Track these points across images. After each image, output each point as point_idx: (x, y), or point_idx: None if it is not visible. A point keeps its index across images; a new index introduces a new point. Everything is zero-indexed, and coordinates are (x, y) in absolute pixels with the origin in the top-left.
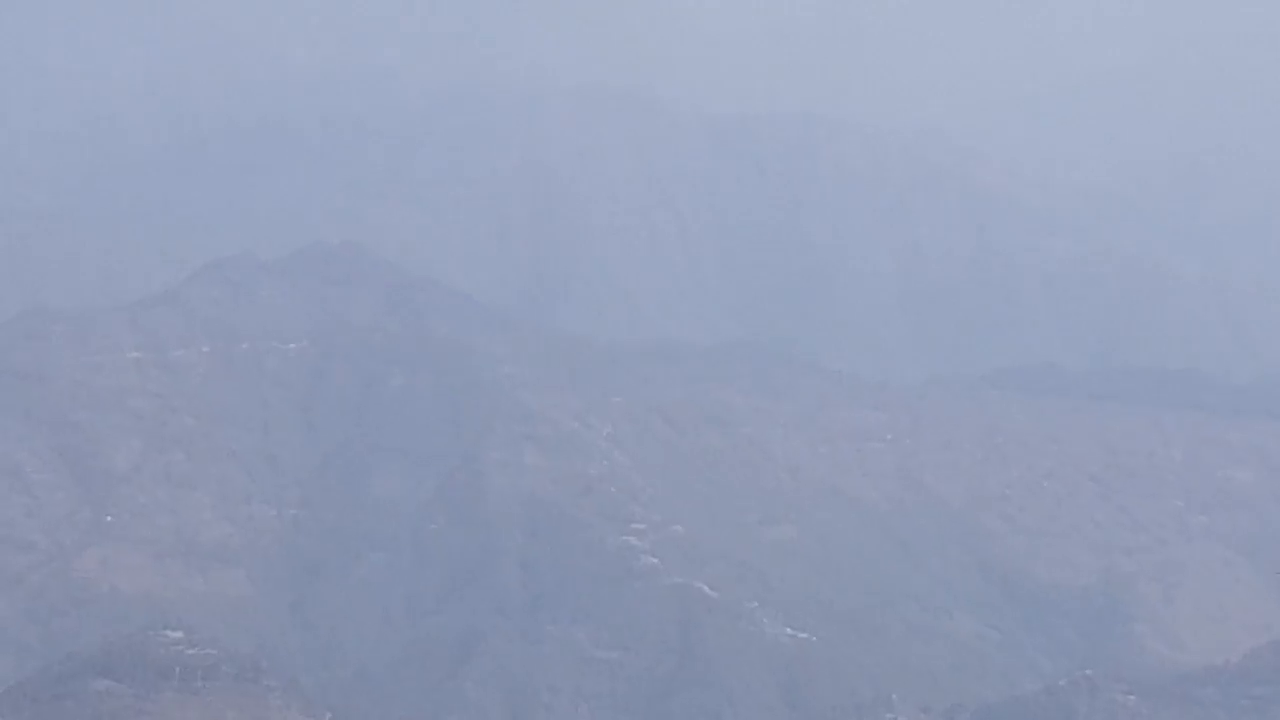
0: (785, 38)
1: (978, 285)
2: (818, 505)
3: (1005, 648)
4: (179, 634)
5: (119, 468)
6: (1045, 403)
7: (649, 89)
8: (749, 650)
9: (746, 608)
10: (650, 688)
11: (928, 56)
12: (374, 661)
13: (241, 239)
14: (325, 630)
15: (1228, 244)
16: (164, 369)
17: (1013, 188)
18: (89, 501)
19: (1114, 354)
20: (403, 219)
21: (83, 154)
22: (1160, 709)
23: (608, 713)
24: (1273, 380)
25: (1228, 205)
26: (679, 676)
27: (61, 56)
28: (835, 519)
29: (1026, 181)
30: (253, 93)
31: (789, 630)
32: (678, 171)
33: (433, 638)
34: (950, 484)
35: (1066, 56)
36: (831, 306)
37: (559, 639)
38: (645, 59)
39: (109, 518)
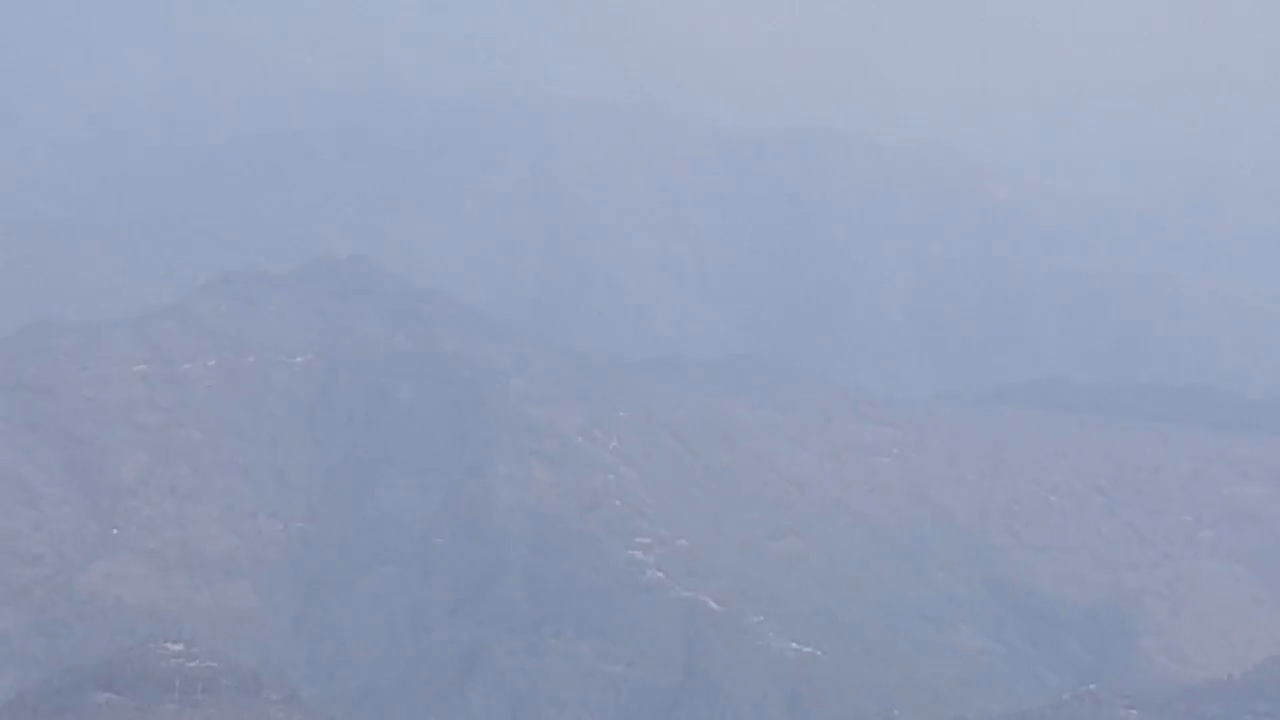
0: (796, 53)
1: (987, 299)
2: (824, 520)
3: (1011, 662)
4: (180, 646)
5: (125, 481)
6: (1052, 417)
7: (660, 103)
8: (754, 664)
9: (752, 622)
10: (655, 701)
11: (938, 71)
12: (379, 675)
13: (250, 252)
14: (331, 643)
15: (1238, 259)
16: (171, 382)
17: (1023, 202)
18: (95, 514)
19: (1123, 369)
20: (413, 232)
21: (92, 166)
22: None
23: None
24: None
25: (1238, 220)
26: (684, 690)
27: (71, 69)
28: (841, 533)
29: (1036, 195)
30: (262, 106)
31: (794, 644)
32: (688, 185)
33: (438, 651)
34: (957, 499)
35: (1077, 71)
36: (840, 320)
37: (564, 652)
38: (656, 73)
39: (115, 531)
